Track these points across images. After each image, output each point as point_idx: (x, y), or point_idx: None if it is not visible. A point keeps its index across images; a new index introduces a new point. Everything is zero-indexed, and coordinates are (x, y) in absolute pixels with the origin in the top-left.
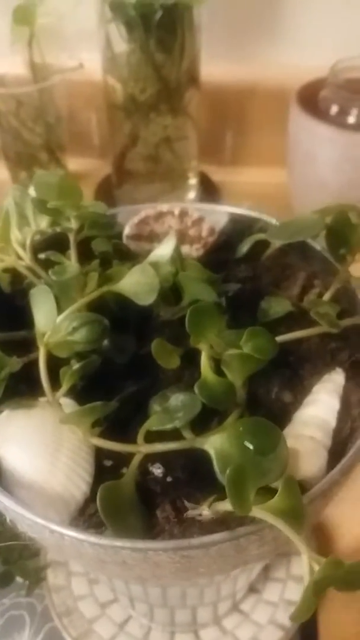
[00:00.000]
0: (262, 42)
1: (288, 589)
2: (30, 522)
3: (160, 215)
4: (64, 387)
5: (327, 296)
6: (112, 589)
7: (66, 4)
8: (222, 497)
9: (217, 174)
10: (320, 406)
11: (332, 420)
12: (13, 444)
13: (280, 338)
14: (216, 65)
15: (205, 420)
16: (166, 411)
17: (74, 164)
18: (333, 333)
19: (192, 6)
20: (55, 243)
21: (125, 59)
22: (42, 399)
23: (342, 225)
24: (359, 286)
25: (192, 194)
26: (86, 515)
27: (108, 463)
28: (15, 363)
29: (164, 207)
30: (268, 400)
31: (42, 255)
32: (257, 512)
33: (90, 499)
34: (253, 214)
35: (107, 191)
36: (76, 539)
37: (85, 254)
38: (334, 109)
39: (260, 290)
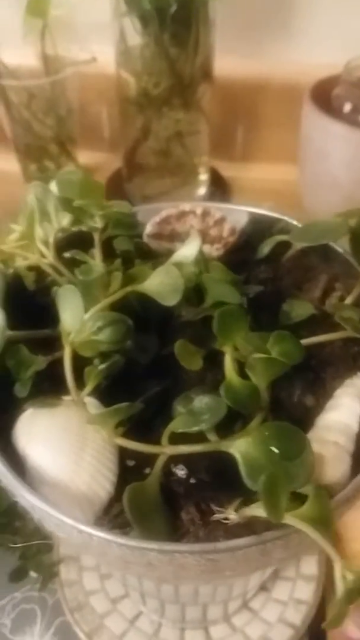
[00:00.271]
0: (274, 38)
1: (297, 588)
2: (58, 521)
3: (182, 215)
4: (89, 386)
5: (349, 300)
6: (123, 584)
7: None
8: (248, 501)
9: (228, 170)
10: (343, 411)
11: (354, 425)
12: (38, 442)
13: (304, 341)
14: (229, 60)
15: (228, 422)
16: (191, 413)
17: (85, 157)
18: (356, 337)
19: (207, 1)
20: (76, 241)
21: (139, 53)
22: (65, 398)
23: None
24: None
25: (202, 190)
26: (110, 515)
27: (130, 463)
28: (41, 362)
29: (186, 206)
30: (290, 403)
31: (67, 254)
32: (288, 519)
33: (114, 499)
34: (274, 214)
35: (117, 185)
36: (104, 540)
37: (106, 252)
38: (347, 107)
39: (281, 292)
